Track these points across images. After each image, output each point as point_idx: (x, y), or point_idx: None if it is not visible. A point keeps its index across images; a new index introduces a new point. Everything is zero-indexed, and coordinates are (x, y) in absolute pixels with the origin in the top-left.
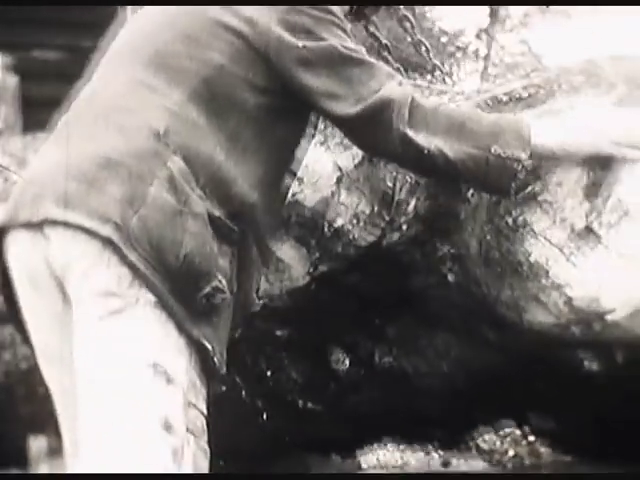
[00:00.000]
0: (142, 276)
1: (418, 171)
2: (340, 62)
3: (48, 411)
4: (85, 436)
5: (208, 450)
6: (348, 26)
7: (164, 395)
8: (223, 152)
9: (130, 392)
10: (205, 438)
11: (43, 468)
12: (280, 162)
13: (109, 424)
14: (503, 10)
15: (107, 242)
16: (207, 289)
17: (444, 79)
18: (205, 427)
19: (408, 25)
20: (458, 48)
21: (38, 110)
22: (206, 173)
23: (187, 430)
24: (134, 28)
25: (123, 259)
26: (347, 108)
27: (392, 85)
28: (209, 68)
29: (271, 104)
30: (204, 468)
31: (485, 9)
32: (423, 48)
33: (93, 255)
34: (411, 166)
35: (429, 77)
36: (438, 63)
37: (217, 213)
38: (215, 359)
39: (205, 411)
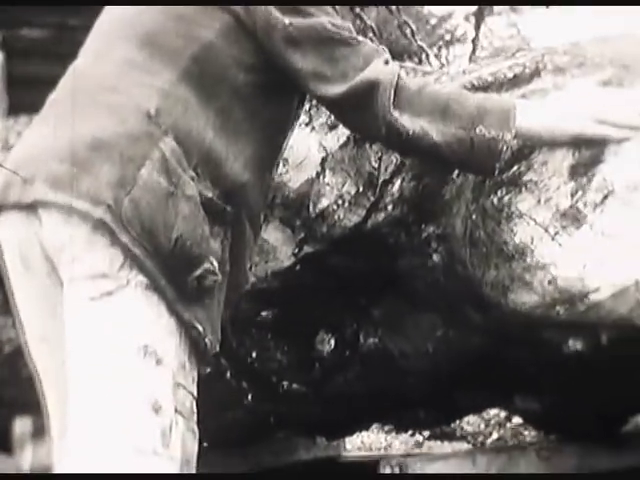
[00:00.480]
0: (134, 258)
1: (403, 152)
2: (326, 41)
3: (33, 393)
4: (75, 417)
5: (197, 431)
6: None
7: (153, 376)
8: (214, 131)
9: (120, 373)
10: (194, 419)
11: (27, 450)
12: (271, 142)
13: (99, 404)
14: None
15: (99, 224)
16: (198, 272)
17: (429, 61)
18: (194, 408)
19: (394, 7)
20: (446, 31)
21: (25, 89)
22: (198, 153)
23: (176, 411)
24: (121, 6)
25: (115, 241)
26: (333, 88)
27: (378, 64)
28: (199, 46)
29: (260, 82)
30: (193, 449)
31: None
32: (408, 30)
33: (85, 237)
34: (396, 147)
35: (415, 60)
36: (424, 45)
37: (209, 194)
38: (207, 340)
39: (194, 393)
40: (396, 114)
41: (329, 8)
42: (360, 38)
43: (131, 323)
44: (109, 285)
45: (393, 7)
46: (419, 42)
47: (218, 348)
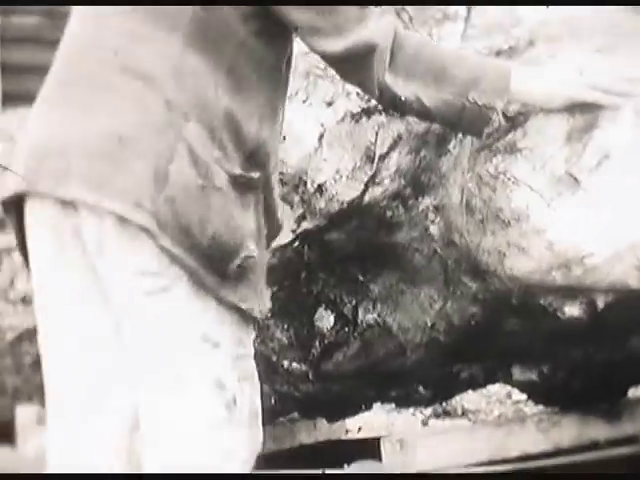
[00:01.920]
0: (175, 257)
1: (396, 111)
2: None
3: (37, 381)
4: (142, 404)
5: (258, 384)
6: None
7: (213, 359)
8: (228, 94)
9: (181, 361)
10: (256, 376)
11: (31, 439)
12: (277, 89)
13: (163, 389)
14: None
15: (141, 227)
16: (238, 261)
17: None
18: (254, 366)
19: None
20: (437, 9)
21: (18, 77)
22: (218, 124)
23: (239, 380)
24: None
25: (158, 242)
26: (328, 44)
27: (376, 23)
28: (198, 7)
29: (260, 28)
30: (258, 404)
31: None
32: (406, 16)
33: (129, 236)
34: (389, 107)
35: None
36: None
37: (237, 171)
38: (256, 315)
39: (252, 352)
40: (390, 79)
41: None
42: None
43: (186, 315)
44: (162, 281)
45: None
46: (416, 28)
47: (268, 310)
